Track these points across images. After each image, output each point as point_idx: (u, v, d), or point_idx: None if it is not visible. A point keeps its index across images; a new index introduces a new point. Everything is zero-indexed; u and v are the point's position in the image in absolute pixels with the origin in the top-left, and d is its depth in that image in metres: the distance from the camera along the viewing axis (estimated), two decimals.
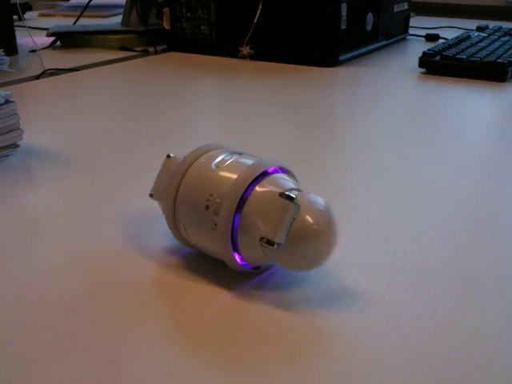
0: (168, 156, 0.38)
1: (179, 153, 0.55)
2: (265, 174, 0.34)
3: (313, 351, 0.29)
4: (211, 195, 0.34)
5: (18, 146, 0.55)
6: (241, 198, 0.33)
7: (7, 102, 0.54)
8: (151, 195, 0.39)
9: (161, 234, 0.41)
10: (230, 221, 0.33)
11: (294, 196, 0.32)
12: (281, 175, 0.35)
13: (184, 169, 0.36)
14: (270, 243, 0.32)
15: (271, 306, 0.33)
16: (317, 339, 0.30)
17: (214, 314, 0.32)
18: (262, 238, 0.32)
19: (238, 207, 0.33)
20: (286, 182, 0.34)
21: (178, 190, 0.35)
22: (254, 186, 0.33)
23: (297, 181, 0.36)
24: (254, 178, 0.33)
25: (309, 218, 0.32)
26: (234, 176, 0.34)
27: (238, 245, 0.34)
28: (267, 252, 0.33)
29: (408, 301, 0.33)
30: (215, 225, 0.33)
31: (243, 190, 0.33)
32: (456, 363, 0.28)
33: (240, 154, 0.36)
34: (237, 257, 0.34)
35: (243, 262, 0.35)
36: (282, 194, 0.32)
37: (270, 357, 0.29)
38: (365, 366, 0.28)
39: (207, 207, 0.34)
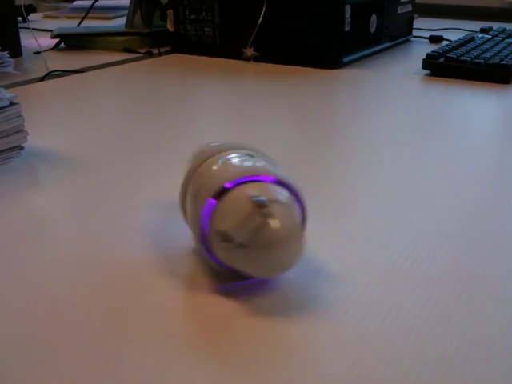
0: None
1: (182, 154, 0.55)
2: (258, 180, 0.34)
3: (315, 355, 0.29)
4: (202, 185, 0.35)
5: (22, 148, 0.55)
6: (217, 193, 0.33)
7: (12, 103, 0.54)
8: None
9: (167, 236, 0.41)
10: (200, 211, 0.34)
11: (263, 203, 0.32)
12: (273, 186, 0.33)
13: (199, 163, 0.37)
14: (226, 240, 0.32)
15: (269, 307, 0.33)
16: (321, 342, 0.30)
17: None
18: (218, 233, 0.32)
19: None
20: (269, 192, 0.33)
21: (191, 180, 0.37)
22: (237, 186, 0.33)
23: (297, 195, 0.35)
24: (232, 179, 0.33)
25: (274, 224, 0.31)
26: (223, 173, 0.34)
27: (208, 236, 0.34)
28: (228, 253, 0.33)
29: (412, 306, 0.33)
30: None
31: (219, 184, 0.33)
32: (460, 369, 0.28)
33: (252, 156, 0.36)
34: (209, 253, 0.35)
35: (216, 260, 0.35)
36: (253, 197, 0.32)
37: (272, 363, 0.29)
38: (370, 371, 0.28)
39: (195, 197, 0.35)
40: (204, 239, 0.34)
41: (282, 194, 0.33)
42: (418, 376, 0.28)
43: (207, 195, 0.34)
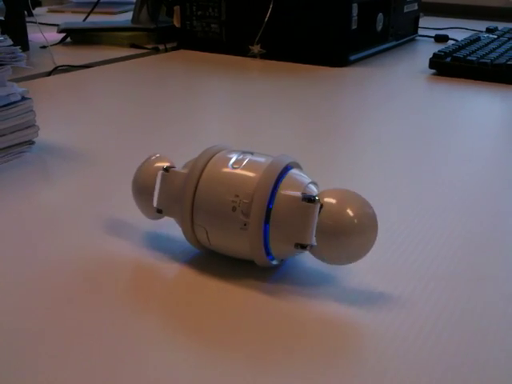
0: (166, 169, 0.37)
1: (189, 149, 0.55)
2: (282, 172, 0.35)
3: (330, 347, 0.29)
4: (237, 196, 0.34)
5: (33, 142, 0.56)
6: (270, 197, 0.34)
7: (23, 98, 0.54)
8: (160, 211, 0.38)
9: (177, 229, 0.41)
10: (261, 220, 0.33)
11: (315, 198, 0.33)
12: (295, 171, 0.36)
13: (197, 173, 0.36)
14: (303, 247, 0.33)
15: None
16: (332, 336, 0.30)
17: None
18: (296, 244, 0.34)
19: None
20: (302, 178, 0.35)
21: (196, 195, 0.35)
22: (278, 185, 0.34)
23: (302, 168, 0.38)
24: (277, 176, 0.34)
25: (350, 212, 0.33)
26: (257, 175, 0.34)
27: (269, 243, 0.34)
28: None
29: (424, 304, 0.34)
30: (244, 225, 0.34)
31: (271, 189, 0.34)
32: (470, 368, 0.29)
33: (251, 153, 0.37)
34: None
35: (271, 258, 0.35)
36: (304, 198, 0.33)
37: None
38: (381, 367, 0.28)
39: (234, 208, 0.34)
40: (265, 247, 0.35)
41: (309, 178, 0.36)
42: (431, 370, 0.28)
43: (262, 199, 0.33)
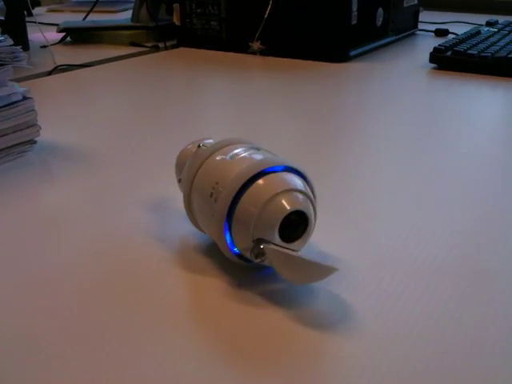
0: (199, 146, 0.39)
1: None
2: (272, 172, 0.34)
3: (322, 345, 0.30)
4: (217, 183, 0.35)
5: (35, 142, 0.56)
6: (239, 191, 0.33)
7: (25, 98, 0.54)
8: (180, 180, 0.41)
9: (179, 231, 0.41)
10: (225, 211, 0.33)
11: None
12: (287, 175, 0.34)
13: (203, 158, 0.37)
14: (260, 252, 0.33)
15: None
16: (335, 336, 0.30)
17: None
18: (253, 241, 0.33)
19: (237, 198, 0.33)
20: (285, 181, 0.34)
21: (195, 177, 0.37)
22: (256, 181, 0.33)
23: (307, 182, 0.36)
24: (255, 172, 0.33)
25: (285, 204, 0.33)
26: (240, 168, 0.34)
27: (233, 237, 0.34)
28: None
29: (428, 300, 0.34)
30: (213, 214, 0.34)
31: (241, 183, 0.33)
32: (474, 364, 0.29)
33: (258, 149, 0.37)
34: (233, 247, 0.35)
35: (238, 253, 0.35)
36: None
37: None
38: (386, 365, 0.28)
39: (211, 194, 0.35)
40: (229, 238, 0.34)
41: (297, 182, 0.34)
42: (437, 367, 0.28)
43: (228, 195, 0.33)
